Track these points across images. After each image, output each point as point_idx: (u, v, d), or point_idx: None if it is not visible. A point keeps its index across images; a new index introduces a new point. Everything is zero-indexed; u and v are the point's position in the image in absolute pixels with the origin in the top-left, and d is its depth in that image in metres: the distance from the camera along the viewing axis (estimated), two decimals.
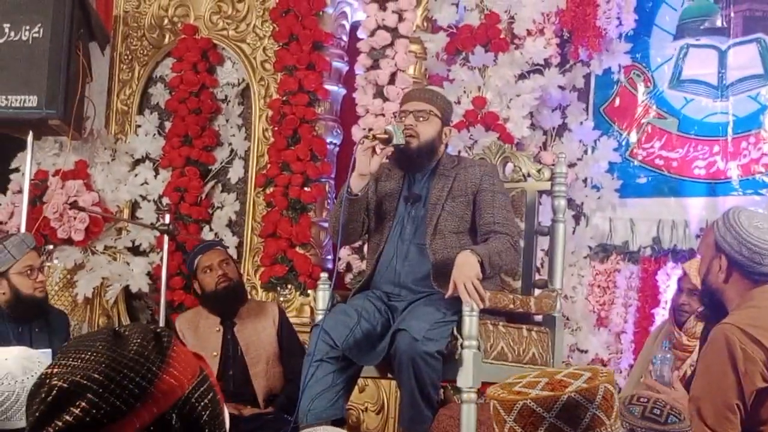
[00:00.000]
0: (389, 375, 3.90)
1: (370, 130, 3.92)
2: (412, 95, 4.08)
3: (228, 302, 4.79)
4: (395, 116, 4.02)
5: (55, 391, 1.31)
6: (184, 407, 1.35)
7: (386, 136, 3.79)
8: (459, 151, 5.29)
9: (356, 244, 5.32)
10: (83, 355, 1.34)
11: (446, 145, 4.04)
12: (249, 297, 5.13)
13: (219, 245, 5.10)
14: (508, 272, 4.00)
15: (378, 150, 3.81)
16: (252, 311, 4.84)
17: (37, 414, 1.32)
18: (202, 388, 1.38)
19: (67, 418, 1.30)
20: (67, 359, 1.35)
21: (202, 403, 1.36)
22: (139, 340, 1.35)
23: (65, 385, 1.31)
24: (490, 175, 3.91)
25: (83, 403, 1.30)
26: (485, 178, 3.88)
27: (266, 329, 4.77)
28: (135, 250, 6.13)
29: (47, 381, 1.33)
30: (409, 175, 3.98)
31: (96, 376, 1.31)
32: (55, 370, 1.34)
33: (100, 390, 1.30)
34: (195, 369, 1.39)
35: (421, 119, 3.89)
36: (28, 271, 4.50)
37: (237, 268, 4.97)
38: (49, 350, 3.96)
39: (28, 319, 4.54)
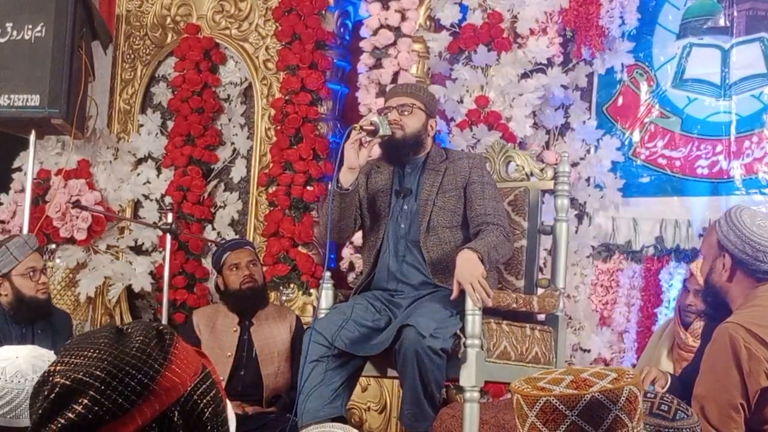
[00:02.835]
0: (390, 373, 3.89)
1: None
2: (394, 91, 4.13)
3: (249, 303, 4.78)
4: (380, 112, 4.04)
5: (57, 389, 1.31)
6: (186, 404, 1.35)
7: (372, 127, 3.83)
8: (463, 149, 5.29)
9: (359, 244, 5.31)
10: (86, 353, 1.34)
11: (434, 140, 4.06)
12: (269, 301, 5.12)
13: (249, 245, 5.07)
14: (503, 262, 3.99)
15: (365, 143, 3.83)
16: (270, 314, 4.83)
17: (40, 411, 1.32)
18: (204, 386, 1.38)
19: (70, 415, 1.30)
20: (71, 357, 1.35)
21: (205, 400, 1.37)
22: (141, 338, 1.36)
23: (68, 382, 1.31)
24: (478, 167, 3.93)
25: (85, 401, 1.30)
26: (474, 171, 3.91)
27: (282, 334, 4.78)
28: (137, 250, 6.13)
29: (50, 378, 1.33)
30: (398, 169, 3.99)
31: (98, 373, 1.31)
32: (58, 367, 1.34)
33: (102, 387, 1.30)
34: (197, 366, 1.39)
35: (405, 113, 3.93)
36: (31, 273, 4.50)
37: (263, 272, 4.96)
38: (52, 352, 3.95)
39: (31, 320, 4.54)
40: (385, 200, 3.97)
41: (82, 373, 1.31)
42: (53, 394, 1.31)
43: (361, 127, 3.83)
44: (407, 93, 4.01)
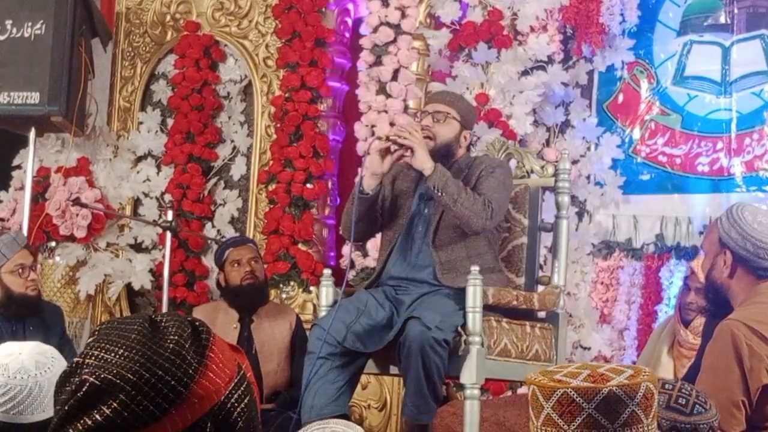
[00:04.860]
0: (391, 371, 3.89)
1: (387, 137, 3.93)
2: (433, 97, 4.13)
3: (249, 299, 4.79)
4: (416, 116, 4.03)
5: (86, 387, 1.25)
6: (219, 413, 1.28)
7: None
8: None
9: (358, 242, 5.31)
10: (117, 349, 1.27)
11: (468, 149, 4.03)
12: (270, 299, 5.13)
13: (251, 242, 5.10)
14: (459, 218, 3.87)
15: (392, 150, 3.82)
16: (270, 312, 4.84)
17: (66, 407, 1.26)
18: (239, 391, 1.31)
19: (97, 417, 1.24)
20: (101, 350, 1.28)
21: (239, 409, 1.30)
22: (176, 337, 1.28)
23: (97, 381, 1.25)
24: (491, 166, 3.92)
25: (114, 404, 1.24)
26: (486, 168, 3.89)
27: (282, 331, 4.79)
28: (137, 247, 6.12)
29: (78, 371, 1.27)
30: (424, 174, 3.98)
31: (129, 376, 1.25)
32: (87, 360, 1.28)
33: (133, 392, 1.24)
34: (233, 369, 1.32)
35: (438, 121, 3.90)
36: (20, 270, 4.47)
37: (264, 269, 4.97)
38: (55, 349, 3.94)
39: (21, 317, 4.51)
40: (406, 202, 3.98)
41: (112, 374, 1.24)
42: (81, 392, 1.25)
43: (387, 137, 3.84)
44: (445, 101, 3.99)
